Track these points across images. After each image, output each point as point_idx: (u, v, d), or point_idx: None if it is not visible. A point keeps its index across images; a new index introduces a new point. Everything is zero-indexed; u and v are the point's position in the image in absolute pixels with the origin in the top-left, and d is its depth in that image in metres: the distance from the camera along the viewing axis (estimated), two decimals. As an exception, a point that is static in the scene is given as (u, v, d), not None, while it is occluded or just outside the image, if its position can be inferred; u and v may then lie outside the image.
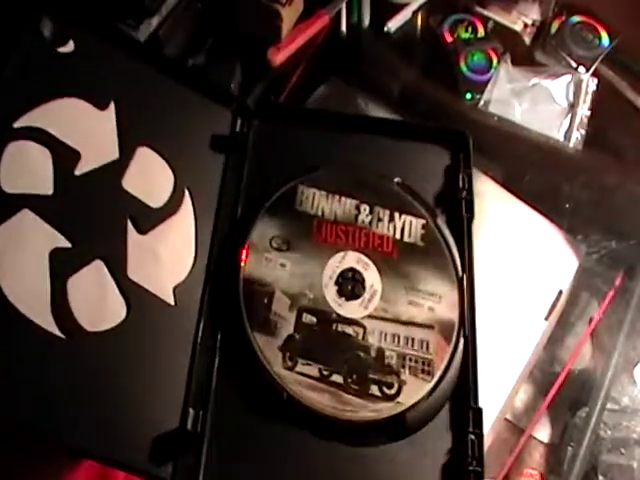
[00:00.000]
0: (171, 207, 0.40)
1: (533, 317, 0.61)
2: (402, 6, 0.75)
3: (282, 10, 0.66)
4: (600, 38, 0.75)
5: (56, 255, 0.36)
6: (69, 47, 0.39)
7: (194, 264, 0.40)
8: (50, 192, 0.37)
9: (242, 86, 0.68)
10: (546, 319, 0.61)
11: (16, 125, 0.36)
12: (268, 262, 0.41)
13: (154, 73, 0.42)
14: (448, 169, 0.45)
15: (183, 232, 0.40)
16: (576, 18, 0.76)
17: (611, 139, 0.72)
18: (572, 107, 0.73)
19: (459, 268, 0.42)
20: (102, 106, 0.40)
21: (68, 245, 0.36)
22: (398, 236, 0.43)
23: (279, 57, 0.69)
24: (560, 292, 0.62)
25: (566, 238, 0.64)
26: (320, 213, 0.43)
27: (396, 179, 0.44)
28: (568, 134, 0.72)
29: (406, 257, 0.42)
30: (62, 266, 0.36)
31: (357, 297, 0.41)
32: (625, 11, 0.74)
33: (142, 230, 0.39)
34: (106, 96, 0.40)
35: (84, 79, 0.40)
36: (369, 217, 0.43)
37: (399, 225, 0.43)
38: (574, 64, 0.74)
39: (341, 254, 0.42)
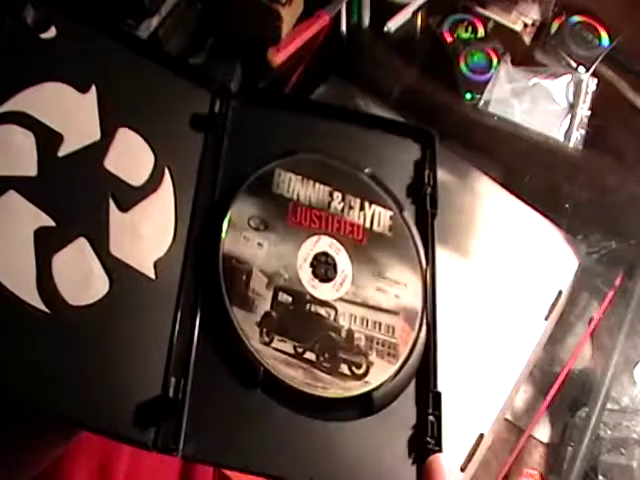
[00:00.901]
0: (151, 185, 0.41)
1: (533, 317, 0.61)
2: (402, 6, 0.75)
3: (282, 10, 0.67)
4: (600, 38, 0.75)
5: (41, 234, 0.37)
6: (51, 33, 0.40)
7: (174, 239, 0.41)
8: (34, 174, 0.38)
9: (242, 86, 0.68)
10: (546, 319, 0.61)
11: (0, 110, 0.37)
12: (246, 240, 0.42)
13: (134, 56, 0.43)
14: (418, 163, 0.47)
15: (163, 209, 0.42)
16: (576, 18, 0.76)
17: (611, 139, 0.72)
18: (572, 107, 0.73)
19: (423, 260, 0.44)
20: (84, 89, 0.41)
21: (52, 224, 0.37)
22: (368, 225, 0.44)
23: (279, 57, 0.70)
24: (560, 292, 0.62)
25: (566, 238, 0.64)
26: (295, 197, 0.44)
27: (367, 170, 0.45)
28: (568, 134, 0.72)
29: (375, 246, 0.44)
30: (47, 244, 0.37)
31: (329, 280, 0.42)
32: (625, 11, 0.74)
33: (123, 208, 0.40)
34: (87, 79, 0.41)
35: (66, 63, 0.41)
36: (341, 204, 0.44)
37: (369, 214, 0.44)
38: (574, 64, 0.74)
39: (315, 237, 0.43)
